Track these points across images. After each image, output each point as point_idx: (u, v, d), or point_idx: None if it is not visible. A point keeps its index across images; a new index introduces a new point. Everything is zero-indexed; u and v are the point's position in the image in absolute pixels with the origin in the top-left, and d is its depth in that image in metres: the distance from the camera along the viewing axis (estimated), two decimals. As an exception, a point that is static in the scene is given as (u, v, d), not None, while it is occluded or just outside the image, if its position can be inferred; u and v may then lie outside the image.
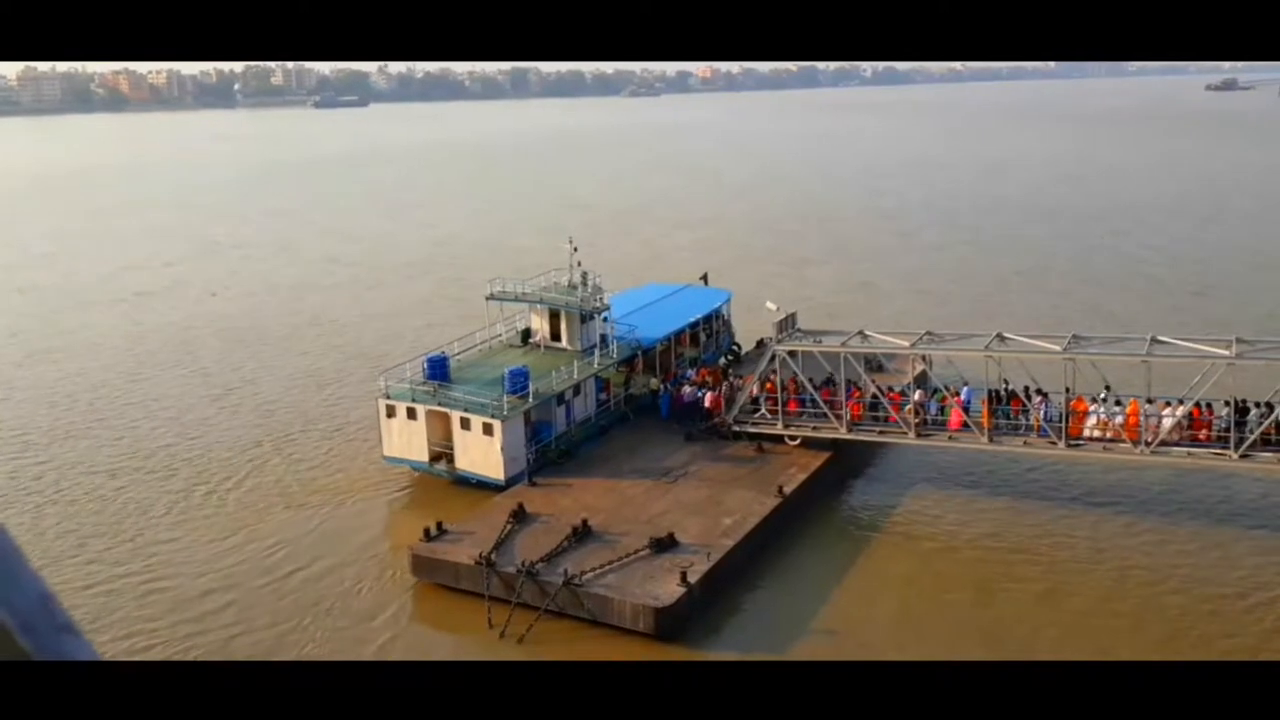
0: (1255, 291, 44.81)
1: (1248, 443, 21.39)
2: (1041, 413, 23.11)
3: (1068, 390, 22.91)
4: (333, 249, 62.34)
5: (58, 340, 41.53)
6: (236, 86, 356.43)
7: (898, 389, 25.32)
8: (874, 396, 24.60)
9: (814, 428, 25.20)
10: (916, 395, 24.45)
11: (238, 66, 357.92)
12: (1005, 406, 23.74)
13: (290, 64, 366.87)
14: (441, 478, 25.33)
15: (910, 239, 60.78)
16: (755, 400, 25.93)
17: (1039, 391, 23.52)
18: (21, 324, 44.70)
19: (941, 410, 24.26)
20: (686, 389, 27.97)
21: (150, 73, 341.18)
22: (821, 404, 24.92)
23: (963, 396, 24.16)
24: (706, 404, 26.90)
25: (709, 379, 28.21)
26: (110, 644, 18.65)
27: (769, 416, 25.70)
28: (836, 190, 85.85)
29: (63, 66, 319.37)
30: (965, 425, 23.74)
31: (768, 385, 25.82)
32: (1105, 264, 51.75)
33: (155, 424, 30.91)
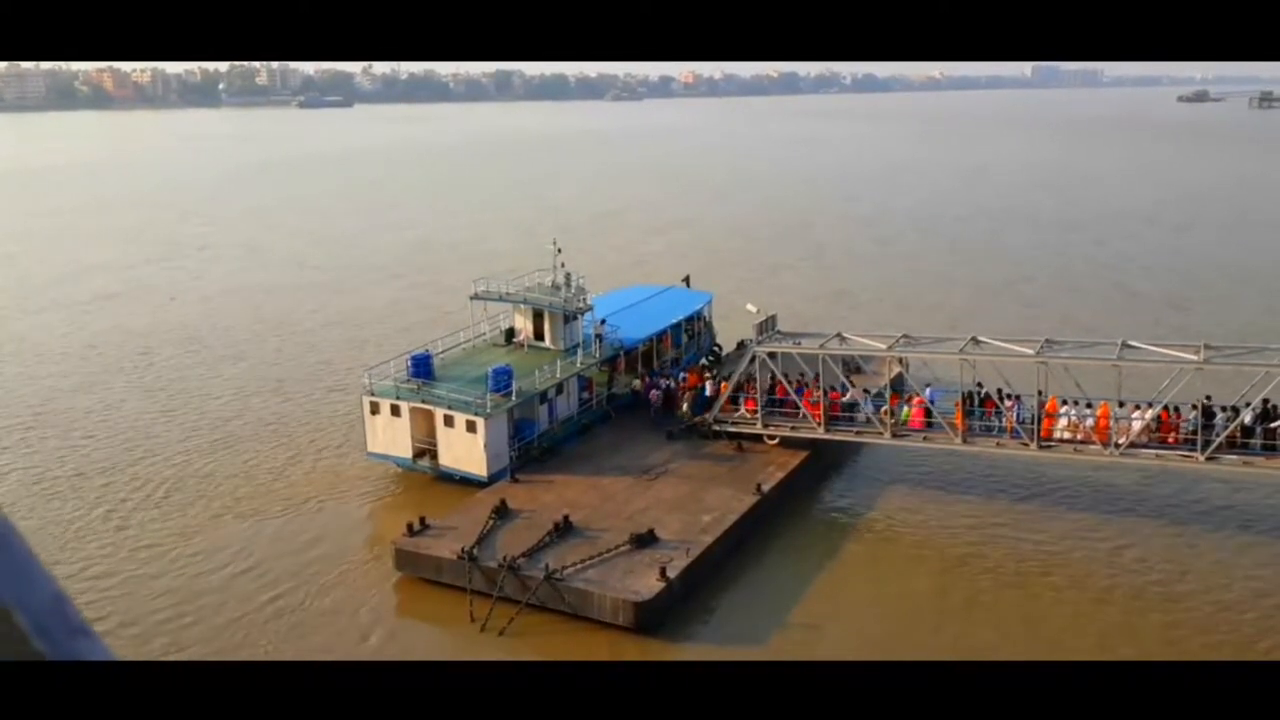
0: (1232, 305, 44.74)
1: (1214, 445, 21.96)
2: (1014, 415, 23.64)
3: (1040, 393, 23.50)
4: (302, 251, 61.00)
5: (6, 346, 39.64)
6: (221, 86, 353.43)
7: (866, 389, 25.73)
8: (811, 394, 25.16)
9: (792, 427, 25.59)
10: (848, 395, 25.06)
11: (222, 66, 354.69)
12: (979, 408, 24.25)
13: (275, 64, 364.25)
14: (425, 474, 25.51)
15: (888, 246, 61.19)
16: (734, 400, 26.32)
17: (1010, 395, 24.03)
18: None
19: (892, 411, 24.75)
20: (664, 382, 28.66)
21: (134, 71, 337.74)
22: (799, 403, 25.33)
23: (926, 396, 24.70)
24: (649, 398, 27.89)
25: (705, 381, 28.58)
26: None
27: (748, 416, 26.06)
28: (815, 196, 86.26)
29: (46, 64, 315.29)
30: (928, 424, 24.24)
31: (720, 386, 26.40)
32: (1082, 274, 52.03)
33: (109, 434, 29.52)
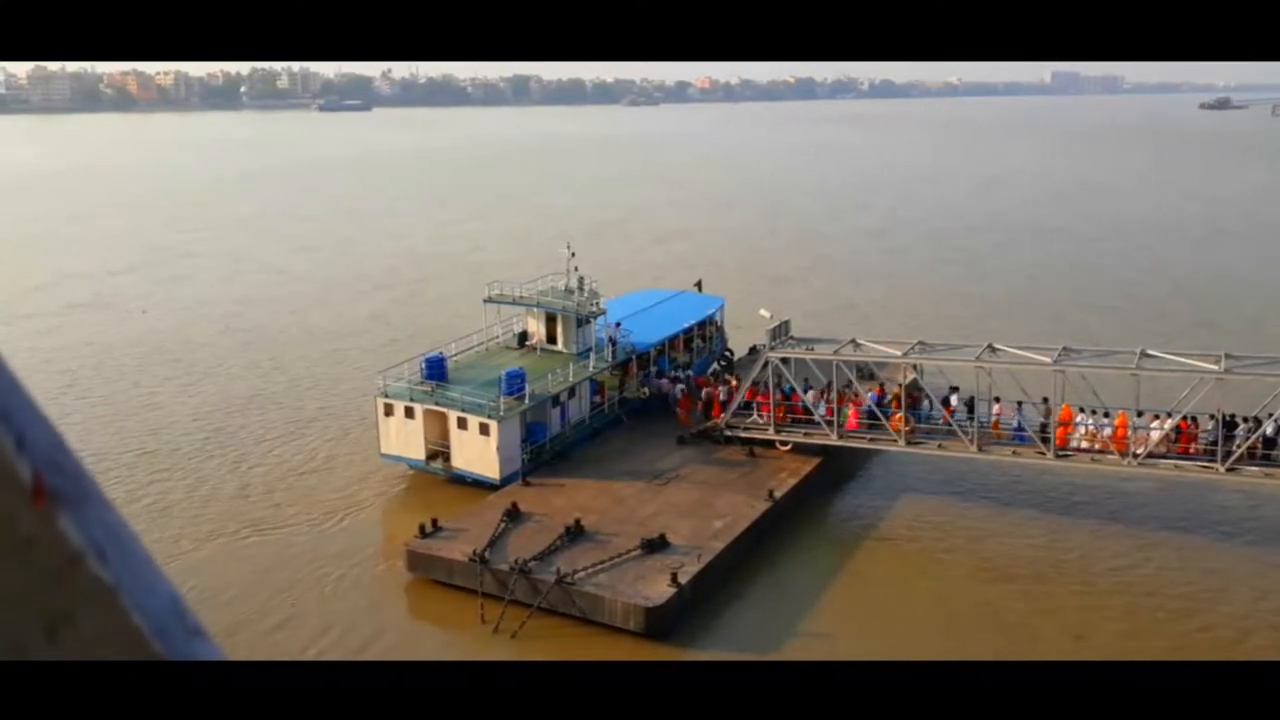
0: (1256, 320, 43.29)
1: (1234, 456, 21.70)
2: (1015, 420, 23.68)
3: (1046, 400, 23.49)
4: (288, 260, 59.35)
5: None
6: (243, 89, 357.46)
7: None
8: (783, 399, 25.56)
9: (804, 433, 25.48)
10: (809, 395, 25.39)
11: (244, 69, 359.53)
12: (928, 411, 24.87)
13: (295, 68, 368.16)
14: (437, 476, 25.59)
15: (900, 256, 60.39)
16: (747, 405, 26.32)
17: (1015, 401, 24.04)
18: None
19: (838, 410, 25.09)
20: (669, 382, 29.25)
21: (158, 74, 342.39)
22: (813, 410, 25.24)
23: (868, 400, 24.94)
24: (677, 402, 28.33)
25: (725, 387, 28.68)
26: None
27: (760, 421, 25.99)
28: (827, 204, 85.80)
29: (72, 66, 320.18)
30: (862, 426, 24.82)
31: (729, 391, 26.78)
32: (1100, 288, 50.94)
33: (92, 450, 28.01)
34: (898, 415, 24.32)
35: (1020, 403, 23.81)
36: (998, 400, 24.02)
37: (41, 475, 0.95)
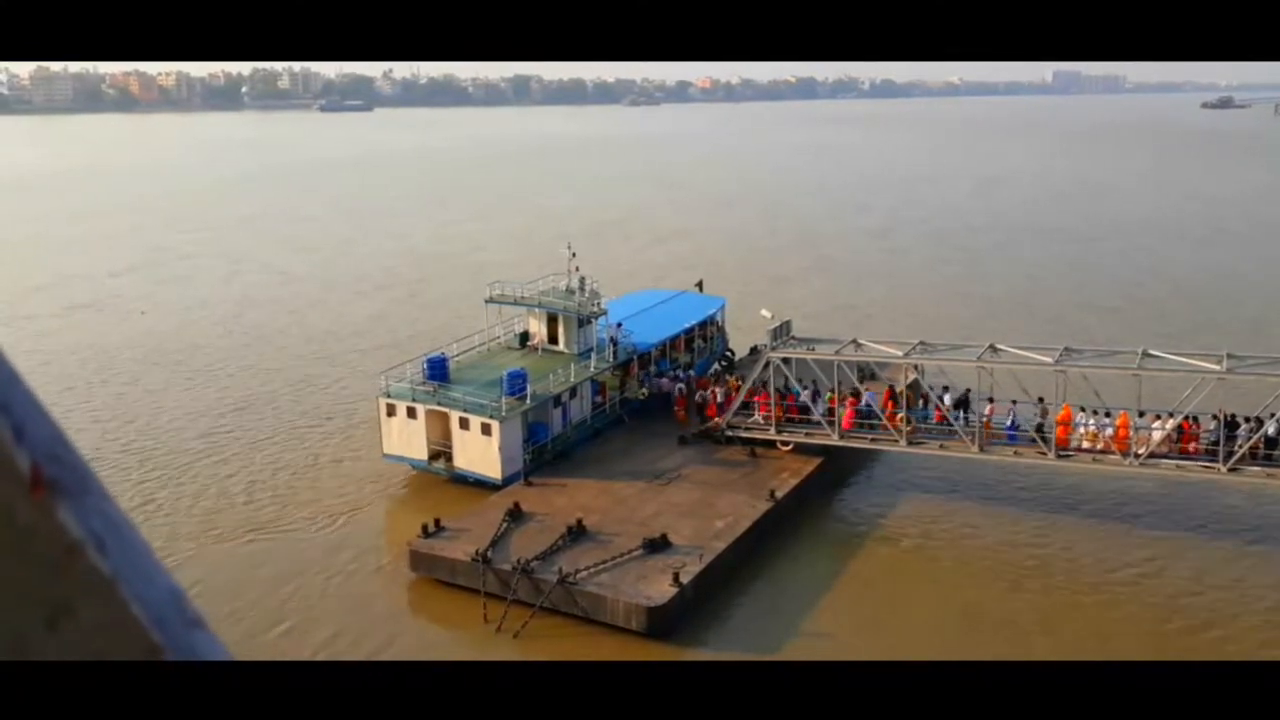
0: (1260, 323, 42.78)
1: (1236, 456, 21.68)
2: (1009, 420, 23.64)
3: (1042, 400, 23.45)
4: (288, 261, 59.17)
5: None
6: (244, 89, 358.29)
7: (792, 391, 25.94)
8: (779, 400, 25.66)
9: (806, 434, 25.48)
10: (805, 394, 25.42)
11: (245, 69, 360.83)
12: (927, 412, 24.93)
13: (297, 68, 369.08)
14: (439, 476, 25.61)
15: (901, 257, 60.14)
16: (748, 405, 26.34)
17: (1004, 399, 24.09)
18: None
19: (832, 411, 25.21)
20: (669, 381, 29.43)
21: (160, 74, 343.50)
22: (813, 410, 25.24)
23: (864, 399, 24.93)
24: (675, 401, 28.53)
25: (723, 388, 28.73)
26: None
27: (762, 421, 25.99)
28: (828, 204, 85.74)
29: (74, 67, 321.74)
30: (865, 425, 24.89)
31: (726, 392, 27.00)
32: (1102, 288, 50.78)
33: (93, 451, 27.64)
34: (894, 414, 24.28)
35: (1015, 401, 23.82)
36: (991, 401, 23.99)
37: (40, 466, 0.96)
